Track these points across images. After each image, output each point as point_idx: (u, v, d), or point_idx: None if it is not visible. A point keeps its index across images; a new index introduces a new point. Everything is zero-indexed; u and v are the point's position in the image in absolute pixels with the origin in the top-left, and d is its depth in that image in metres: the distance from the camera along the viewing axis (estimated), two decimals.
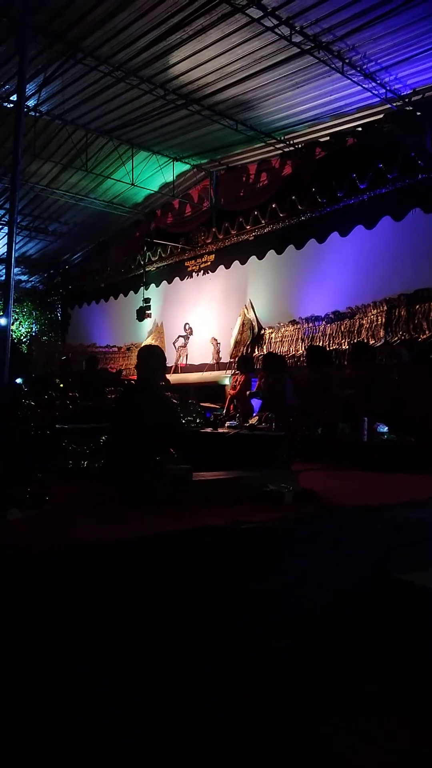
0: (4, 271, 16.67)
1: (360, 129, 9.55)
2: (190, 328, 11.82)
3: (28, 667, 1.66)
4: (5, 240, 14.94)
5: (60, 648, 1.70)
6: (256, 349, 10.20)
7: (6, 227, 14.18)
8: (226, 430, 5.69)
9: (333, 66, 7.93)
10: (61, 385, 9.47)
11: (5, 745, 1.53)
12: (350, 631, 2.36)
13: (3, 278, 16.73)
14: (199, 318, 11.62)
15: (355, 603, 2.43)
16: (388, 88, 8.36)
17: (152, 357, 4.02)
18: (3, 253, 15.94)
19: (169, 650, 1.83)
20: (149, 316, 12.23)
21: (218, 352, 11.07)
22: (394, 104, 8.65)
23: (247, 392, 7.73)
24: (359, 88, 8.40)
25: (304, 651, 2.15)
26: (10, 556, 2.00)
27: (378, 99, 8.60)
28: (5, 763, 1.51)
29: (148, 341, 12.80)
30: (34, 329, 17.15)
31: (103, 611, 1.83)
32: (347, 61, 7.86)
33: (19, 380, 7.02)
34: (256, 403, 7.87)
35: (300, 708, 2.10)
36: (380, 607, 2.44)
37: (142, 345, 3.70)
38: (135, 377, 11.53)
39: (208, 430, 5.54)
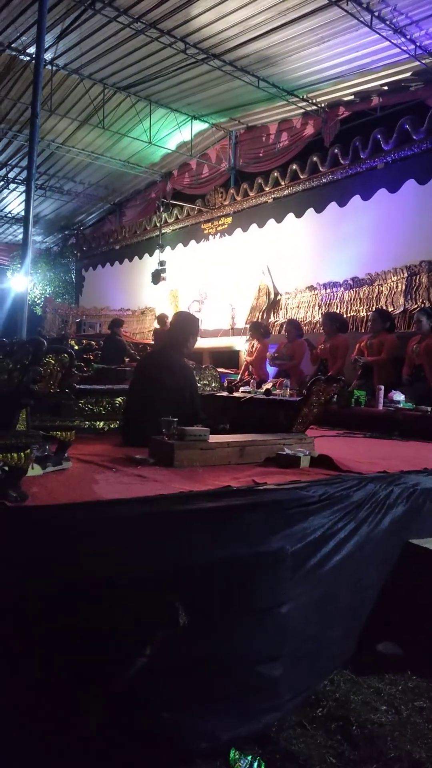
0: (18, 230, 16.64)
1: (386, 87, 9.21)
2: (206, 292, 11.71)
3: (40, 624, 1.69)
4: (20, 199, 14.79)
5: (78, 602, 1.73)
6: (272, 315, 10.10)
7: (19, 186, 14.06)
8: (240, 395, 5.67)
9: (361, 19, 7.59)
10: (76, 347, 9.50)
11: None
12: (367, 593, 2.38)
13: (17, 238, 16.72)
14: (215, 282, 11.49)
15: (373, 567, 2.45)
16: (417, 44, 8.01)
17: (185, 326, 4.00)
18: (17, 213, 15.80)
19: (187, 605, 1.85)
20: (164, 279, 12.13)
21: (233, 317, 10.98)
22: (424, 61, 8.31)
23: (268, 355, 7.70)
24: (387, 43, 8.05)
25: (321, 611, 2.18)
26: (32, 511, 2.02)
27: (407, 56, 8.24)
28: None
29: (163, 305, 12.73)
30: (48, 291, 17.12)
31: (120, 565, 1.85)
32: (376, 14, 7.52)
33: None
34: (271, 369, 7.85)
35: (316, 667, 2.14)
36: (398, 571, 2.46)
37: (180, 312, 3.77)
38: (150, 340, 11.49)
39: (224, 394, 5.53)
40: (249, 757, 1.71)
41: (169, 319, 10.61)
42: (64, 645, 1.66)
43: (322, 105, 10.12)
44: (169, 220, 12.83)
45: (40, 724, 1.60)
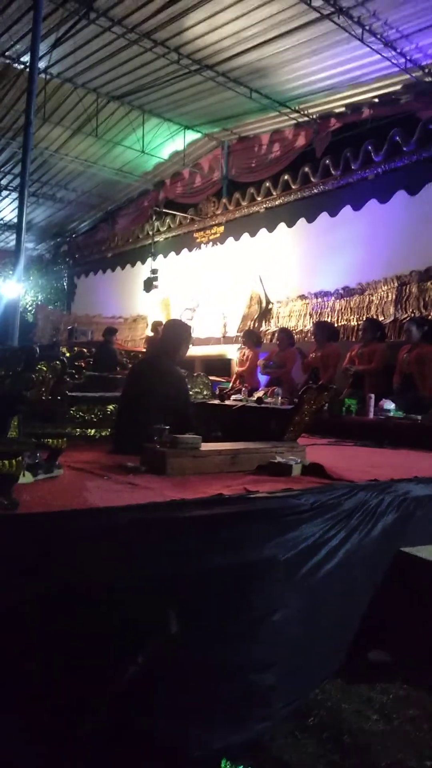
0: (10, 237, 16.60)
1: (377, 100, 9.33)
2: (198, 300, 11.74)
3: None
4: (13, 206, 14.79)
5: (72, 608, 1.73)
6: (263, 324, 10.14)
7: (12, 193, 14.06)
8: (232, 403, 5.67)
9: (352, 33, 7.70)
10: (68, 354, 9.48)
11: None
12: (358, 601, 2.39)
13: (9, 245, 16.67)
14: (207, 290, 11.53)
15: (364, 575, 2.46)
16: (408, 57, 8.13)
17: (179, 333, 4.02)
18: (9, 220, 15.78)
19: (179, 613, 1.85)
20: (156, 287, 12.14)
21: (225, 326, 11.01)
22: (414, 74, 8.43)
23: (260, 362, 7.73)
24: (378, 56, 8.16)
25: (313, 619, 2.18)
26: (23, 518, 2.02)
27: (397, 69, 8.37)
28: None
29: (155, 313, 12.74)
30: (39, 298, 17.08)
31: (110, 573, 1.85)
32: (367, 28, 7.63)
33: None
34: (263, 377, 7.87)
35: (308, 676, 2.14)
36: (389, 579, 2.47)
37: (171, 319, 3.78)
38: (144, 348, 11.48)
39: (216, 402, 5.54)
40: (240, 767, 1.71)
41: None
42: (61, 649, 1.65)
43: (314, 116, 10.22)
44: (162, 229, 12.87)
45: (41, 728, 1.59)
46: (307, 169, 9.65)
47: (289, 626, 2.06)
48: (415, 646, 2.33)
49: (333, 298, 8.99)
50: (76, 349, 9.88)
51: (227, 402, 5.23)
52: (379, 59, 8.25)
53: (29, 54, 5.80)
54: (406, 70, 8.31)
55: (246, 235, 10.89)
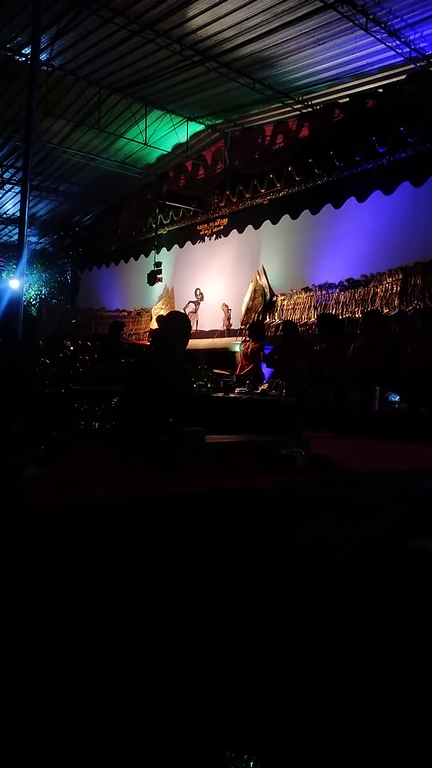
0: (13, 231, 16.59)
1: (381, 90, 9.24)
2: (201, 293, 11.72)
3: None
4: (15, 200, 14.77)
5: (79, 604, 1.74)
6: (267, 316, 10.12)
7: (15, 187, 14.04)
8: (237, 396, 5.67)
9: (356, 22, 7.63)
10: (72, 348, 9.47)
11: None
12: (362, 594, 2.39)
13: (12, 239, 16.65)
14: (211, 283, 11.50)
15: (368, 566, 2.46)
16: (412, 46, 8.05)
17: (176, 324, 3.99)
18: (12, 214, 15.76)
19: (183, 607, 1.86)
20: (160, 280, 12.13)
21: (229, 318, 10.99)
22: (418, 64, 8.35)
23: (263, 356, 7.72)
24: (382, 46, 8.09)
25: (316, 611, 2.18)
26: (28, 512, 2.02)
27: (401, 58, 8.30)
28: None
29: (159, 306, 12.73)
30: (43, 292, 17.07)
31: (117, 568, 1.85)
32: (371, 16, 7.56)
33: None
34: (266, 370, 7.86)
35: (314, 669, 2.14)
36: (392, 571, 2.47)
37: (170, 311, 3.79)
38: (146, 341, 11.47)
39: (220, 394, 5.54)
40: (245, 756, 1.72)
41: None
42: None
43: (318, 107, 10.14)
44: (165, 222, 12.83)
45: None
46: (310, 161, 9.59)
47: (293, 620, 2.06)
48: (420, 640, 2.33)
49: (337, 290, 8.96)
50: (80, 342, 9.87)
51: (231, 395, 5.24)
52: (383, 49, 8.18)
53: (30, 46, 5.77)
54: (410, 59, 8.24)
55: (250, 227, 10.85)
